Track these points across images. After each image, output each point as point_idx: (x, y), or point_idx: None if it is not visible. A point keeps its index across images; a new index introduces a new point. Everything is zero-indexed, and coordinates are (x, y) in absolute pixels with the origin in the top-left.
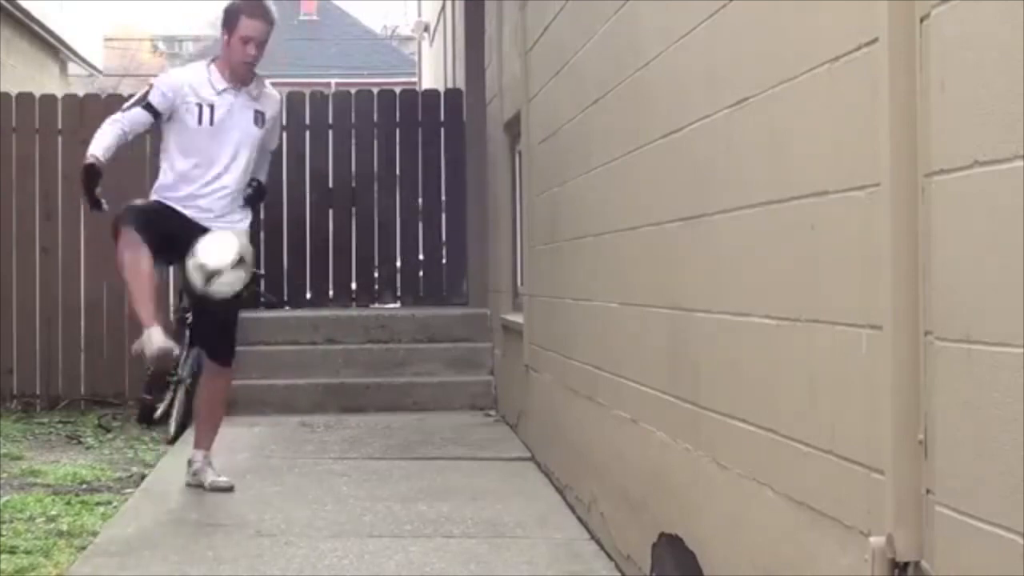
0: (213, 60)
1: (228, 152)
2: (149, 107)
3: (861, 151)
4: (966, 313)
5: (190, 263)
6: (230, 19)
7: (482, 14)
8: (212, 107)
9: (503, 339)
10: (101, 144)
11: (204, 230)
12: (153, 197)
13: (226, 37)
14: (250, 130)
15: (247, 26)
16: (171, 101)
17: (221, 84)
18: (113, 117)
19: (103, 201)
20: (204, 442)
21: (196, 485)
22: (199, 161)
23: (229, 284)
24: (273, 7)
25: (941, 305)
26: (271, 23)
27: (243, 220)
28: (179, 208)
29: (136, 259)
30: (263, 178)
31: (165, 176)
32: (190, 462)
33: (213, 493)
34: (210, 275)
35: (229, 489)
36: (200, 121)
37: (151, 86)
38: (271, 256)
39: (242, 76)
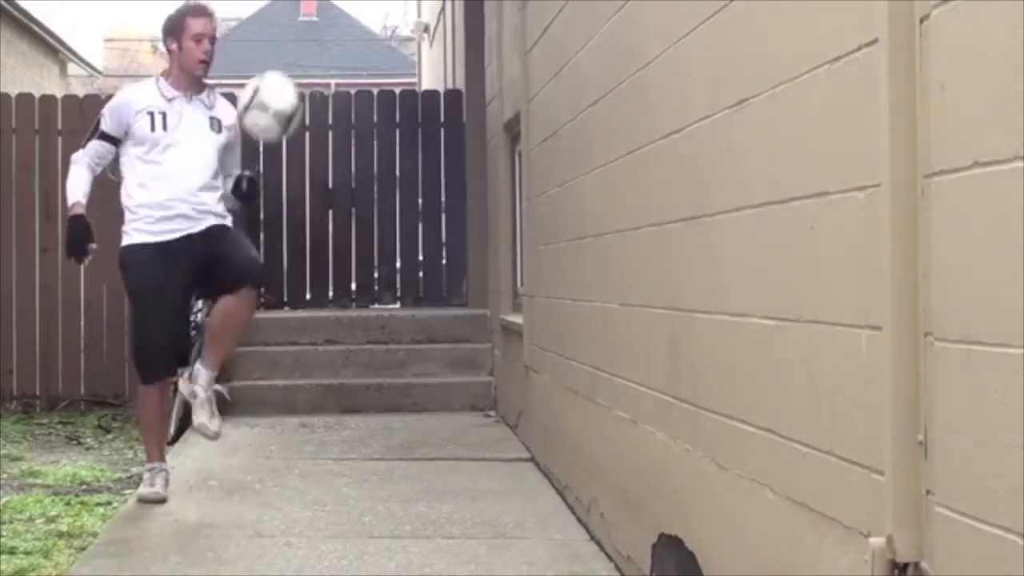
0: (161, 74)
1: (189, 155)
2: (104, 136)
3: (861, 151)
4: (966, 313)
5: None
6: (175, 26)
7: (482, 14)
8: (164, 115)
9: (503, 340)
10: (79, 189)
11: (201, 244)
12: (132, 237)
13: (175, 45)
14: (207, 135)
15: (195, 24)
16: (123, 120)
17: (171, 92)
18: (75, 156)
19: (89, 250)
20: (211, 364)
21: (188, 396)
22: (160, 172)
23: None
24: (210, 4)
25: (941, 305)
26: (214, 19)
27: (222, 220)
28: (162, 240)
29: (156, 410)
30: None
31: (133, 206)
32: (191, 375)
33: (212, 494)
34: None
35: (214, 437)
36: (154, 128)
37: (100, 117)
38: (271, 256)
39: (196, 80)
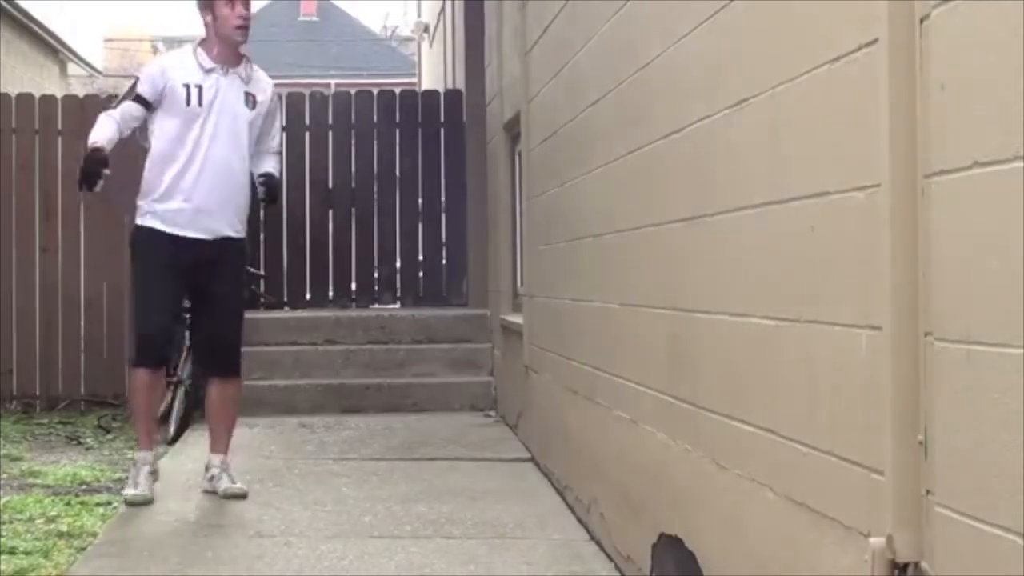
0: (199, 43)
1: (221, 134)
2: (139, 99)
3: (861, 151)
4: (966, 313)
5: None
6: None
7: (482, 14)
8: (200, 88)
9: (503, 340)
10: (102, 134)
11: (202, 258)
12: (145, 219)
13: (208, 16)
14: (240, 111)
15: None
16: (159, 87)
17: (209, 64)
18: (106, 111)
19: (102, 175)
20: (219, 447)
21: (211, 492)
22: (191, 147)
23: None
24: None
25: (941, 305)
26: None
27: (240, 231)
28: (173, 232)
29: (143, 395)
30: (270, 166)
31: (153, 176)
32: (207, 468)
33: (212, 494)
34: None
35: (243, 496)
36: (189, 102)
37: (138, 78)
38: (271, 256)
39: (234, 52)
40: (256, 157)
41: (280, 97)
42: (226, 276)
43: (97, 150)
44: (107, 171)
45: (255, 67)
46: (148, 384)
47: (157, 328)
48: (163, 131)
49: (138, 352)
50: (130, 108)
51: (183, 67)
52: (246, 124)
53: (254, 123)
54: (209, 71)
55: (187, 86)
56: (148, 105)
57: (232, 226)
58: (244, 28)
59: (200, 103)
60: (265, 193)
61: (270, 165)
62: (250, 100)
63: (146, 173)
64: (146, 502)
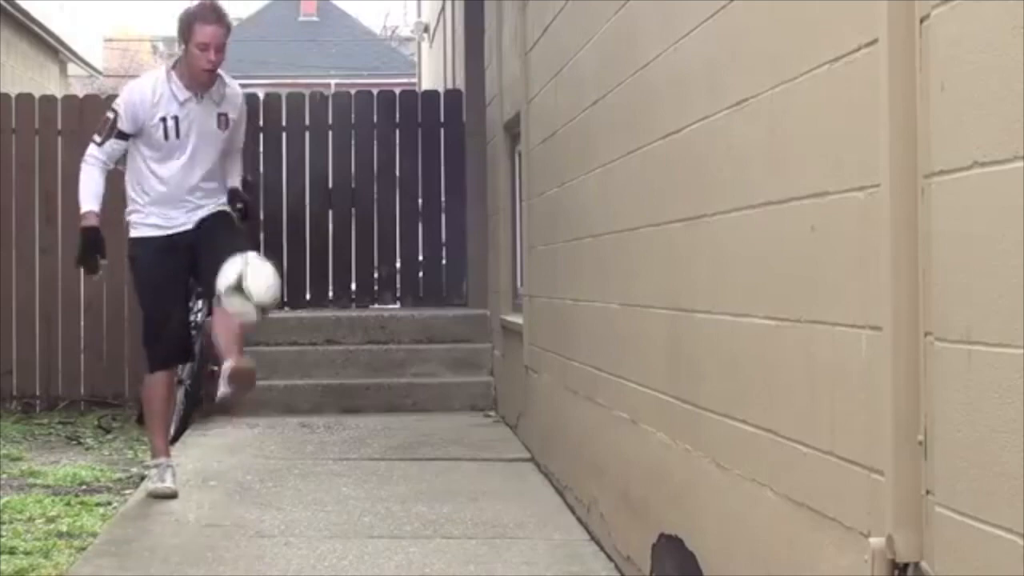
0: (173, 67)
1: (197, 156)
2: (122, 135)
3: (861, 151)
4: (966, 313)
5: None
6: (184, 28)
7: (482, 14)
8: (176, 119)
9: (503, 340)
10: (93, 194)
11: (194, 233)
12: (136, 230)
13: (183, 46)
14: (213, 134)
15: (202, 32)
16: (139, 120)
17: (183, 94)
18: (91, 155)
19: (101, 266)
20: (231, 352)
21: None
22: (170, 173)
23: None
24: (225, 9)
25: (941, 305)
26: (226, 26)
27: (220, 204)
28: (164, 226)
29: (159, 401)
30: (236, 180)
31: (134, 196)
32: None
33: (212, 494)
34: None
35: (172, 496)
36: (167, 136)
37: (115, 113)
38: (271, 257)
39: (204, 82)
40: (222, 158)
41: (241, 92)
42: (217, 225)
43: (92, 230)
44: (105, 261)
45: (227, 81)
46: (165, 389)
47: (167, 337)
48: (142, 156)
49: (151, 360)
50: (115, 146)
51: (160, 98)
52: (218, 145)
53: (228, 137)
54: (184, 102)
55: (164, 120)
56: (129, 137)
57: (208, 208)
58: (210, 73)
59: (178, 135)
60: (240, 216)
61: (235, 173)
62: (223, 121)
63: (130, 192)
64: (173, 496)
